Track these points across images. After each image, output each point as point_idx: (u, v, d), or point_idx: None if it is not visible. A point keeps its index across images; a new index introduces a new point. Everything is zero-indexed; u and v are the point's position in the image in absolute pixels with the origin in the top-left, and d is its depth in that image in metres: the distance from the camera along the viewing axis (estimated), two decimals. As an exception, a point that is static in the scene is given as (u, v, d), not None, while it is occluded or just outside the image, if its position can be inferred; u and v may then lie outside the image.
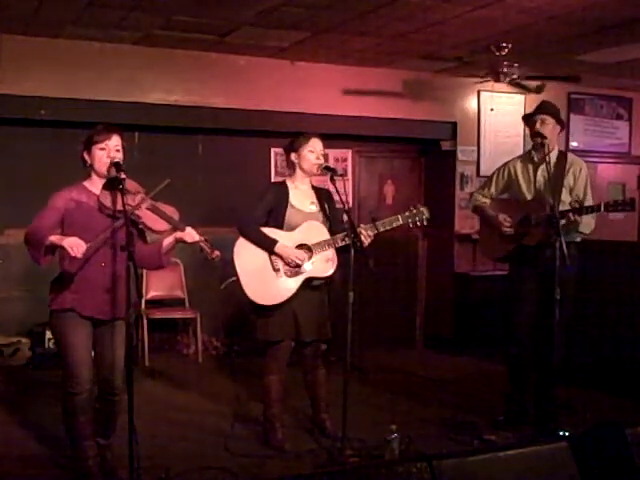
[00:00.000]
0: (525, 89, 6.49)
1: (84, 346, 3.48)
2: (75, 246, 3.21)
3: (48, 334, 5.86)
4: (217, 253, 3.46)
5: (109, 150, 3.45)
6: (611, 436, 2.50)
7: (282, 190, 4.19)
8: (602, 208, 4.10)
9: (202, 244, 3.47)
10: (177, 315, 6.46)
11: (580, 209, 4.16)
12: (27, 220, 5.85)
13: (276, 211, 4.13)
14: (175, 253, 5.84)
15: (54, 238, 3.28)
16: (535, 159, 4.45)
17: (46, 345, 5.87)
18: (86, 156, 3.51)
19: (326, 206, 4.21)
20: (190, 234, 3.46)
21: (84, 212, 3.45)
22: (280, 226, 4.10)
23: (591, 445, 2.51)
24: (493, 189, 4.64)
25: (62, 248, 3.25)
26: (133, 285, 3.27)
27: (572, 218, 4.14)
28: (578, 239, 4.39)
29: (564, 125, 4.57)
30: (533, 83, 6.44)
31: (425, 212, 4.10)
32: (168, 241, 3.53)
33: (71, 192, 3.47)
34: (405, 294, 7.03)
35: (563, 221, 4.14)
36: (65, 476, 3.74)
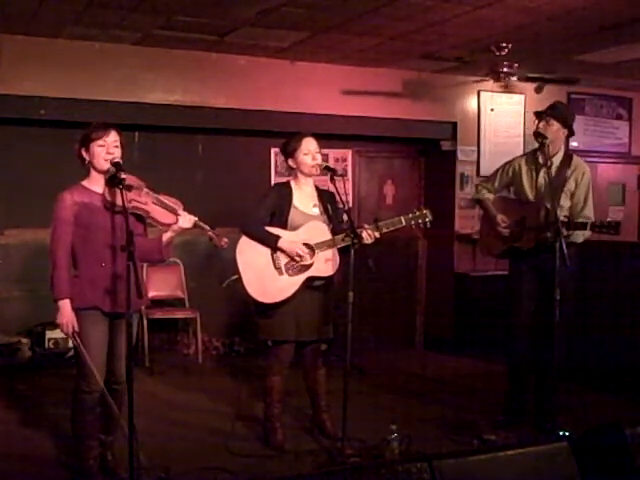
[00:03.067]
0: (515, 90, 6.47)
1: (102, 346, 3.50)
2: (66, 325, 3.42)
3: (48, 334, 5.86)
4: (225, 240, 3.57)
5: (108, 146, 3.45)
6: (611, 436, 2.50)
7: (285, 191, 4.19)
8: (588, 227, 4.16)
9: (210, 233, 3.55)
10: (177, 315, 6.46)
11: (569, 223, 4.19)
12: (27, 220, 5.97)
13: (279, 212, 4.13)
14: (175, 253, 5.89)
15: (61, 303, 3.42)
16: (539, 160, 4.44)
17: (46, 345, 5.87)
18: (84, 154, 3.50)
19: (329, 208, 4.22)
20: (184, 217, 3.51)
21: (89, 212, 3.46)
22: (283, 227, 4.11)
23: (591, 445, 2.52)
24: (497, 184, 4.67)
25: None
26: (134, 285, 3.28)
27: (562, 231, 4.11)
28: (580, 239, 4.38)
29: (573, 132, 4.54)
30: (527, 85, 6.43)
31: (428, 215, 4.10)
32: (168, 235, 3.55)
33: (72, 196, 3.46)
34: (405, 294, 7.03)
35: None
36: (66, 475, 3.75)
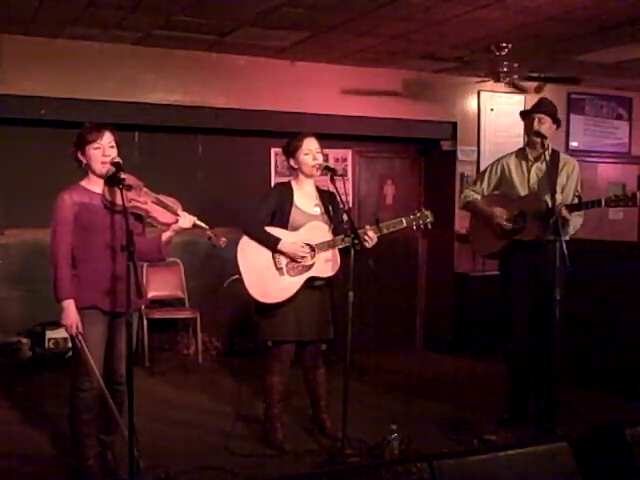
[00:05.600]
0: (522, 90, 6.48)
1: (100, 345, 3.50)
2: (71, 326, 3.41)
3: (48, 334, 5.86)
4: (224, 239, 3.55)
5: (104, 148, 3.44)
6: (611, 436, 2.49)
7: (287, 190, 4.20)
8: (603, 203, 4.12)
9: (209, 232, 3.54)
10: (177, 315, 6.45)
11: (580, 204, 4.18)
12: (27, 220, 5.96)
13: (280, 211, 4.14)
14: (175, 253, 5.89)
15: (65, 303, 3.42)
16: (530, 156, 4.49)
17: (46, 345, 5.87)
18: (80, 156, 3.49)
19: (330, 208, 4.22)
20: (183, 217, 3.51)
21: (89, 212, 3.46)
22: (284, 226, 4.11)
23: (591, 445, 2.51)
24: (485, 185, 4.66)
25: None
26: (134, 285, 3.28)
27: (563, 213, 4.15)
28: (567, 237, 4.39)
29: (560, 124, 4.60)
30: (531, 84, 6.43)
31: (429, 216, 4.11)
32: (167, 234, 3.55)
33: (72, 196, 3.46)
34: (405, 294, 7.03)
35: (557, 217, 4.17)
36: (65, 475, 3.75)
